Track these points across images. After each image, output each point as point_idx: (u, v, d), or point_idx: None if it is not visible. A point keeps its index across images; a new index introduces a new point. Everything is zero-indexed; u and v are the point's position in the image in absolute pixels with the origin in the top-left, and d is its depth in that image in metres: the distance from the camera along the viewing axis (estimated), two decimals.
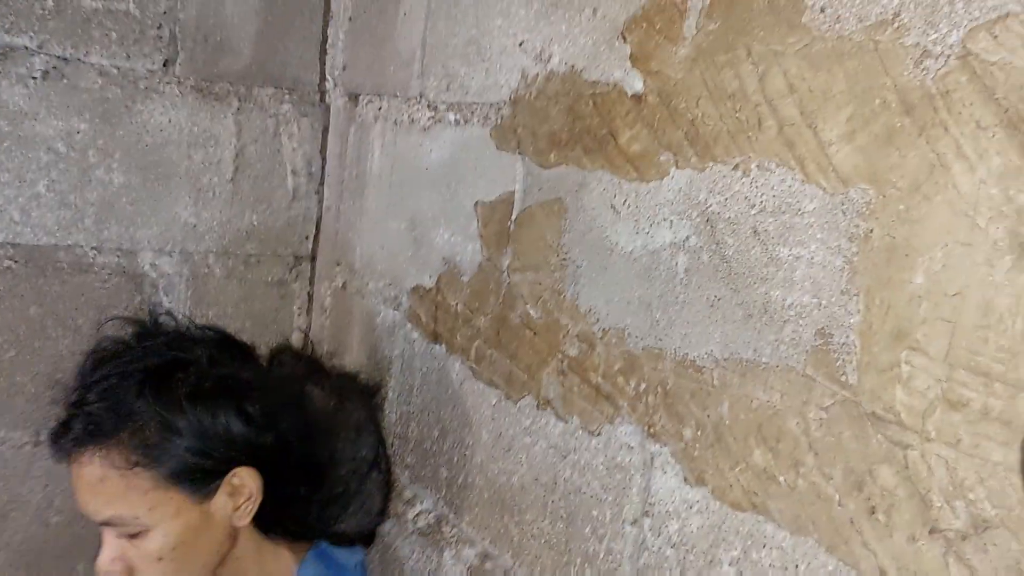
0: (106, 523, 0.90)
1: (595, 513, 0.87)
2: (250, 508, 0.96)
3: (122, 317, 1.03)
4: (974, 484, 0.56)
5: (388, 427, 1.27)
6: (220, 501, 0.94)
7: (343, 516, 1.11)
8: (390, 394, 1.27)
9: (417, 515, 1.19)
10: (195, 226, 1.36)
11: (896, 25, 0.58)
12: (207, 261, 1.39)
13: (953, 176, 0.56)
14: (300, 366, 1.11)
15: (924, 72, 0.57)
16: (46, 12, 1.20)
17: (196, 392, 0.92)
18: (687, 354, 0.76)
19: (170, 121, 1.32)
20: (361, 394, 1.19)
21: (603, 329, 0.85)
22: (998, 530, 0.54)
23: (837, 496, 0.63)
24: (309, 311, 1.51)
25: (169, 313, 1.04)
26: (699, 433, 0.75)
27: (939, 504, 0.58)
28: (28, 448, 1.28)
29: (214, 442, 0.92)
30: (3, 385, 1.24)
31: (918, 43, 0.57)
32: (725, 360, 0.72)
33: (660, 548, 0.79)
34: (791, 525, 0.67)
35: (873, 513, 0.61)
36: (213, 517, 0.94)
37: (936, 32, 0.56)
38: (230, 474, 0.94)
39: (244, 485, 0.95)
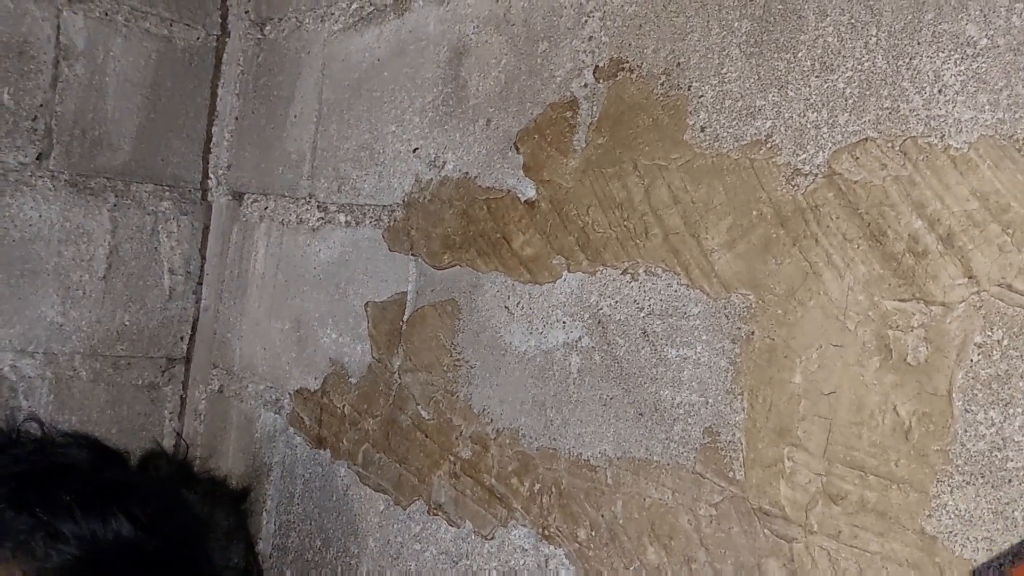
0: None
1: None
2: None
3: None
4: (855, 574, 0.59)
5: (266, 538, 1.21)
6: None
7: None
8: (268, 502, 1.22)
9: None
10: (62, 326, 1.29)
11: (769, 145, 0.64)
12: (73, 363, 1.31)
13: (824, 283, 0.61)
14: (173, 471, 1.06)
15: (795, 188, 0.62)
16: None
17: (84, 497, 0.85)
18: (581, 453, 0.77)
19: (40, 216, 1.26)
20: (231, 499, 1.13)
21: (497, 430, 0.86)
22: None
23: None
24: (181, 416, 1.43)
25: (34, 418, 0.97)
26: (593, 533, 0.75)
27: None
28: None
29: (104, 550, 0.85)
30: None
31: (789, 162, 0.63)
32: (618, 459, 0.74)
33: None
34: None
35: None
36: None
37: (804, 153, 0.62)
38: None
39: None
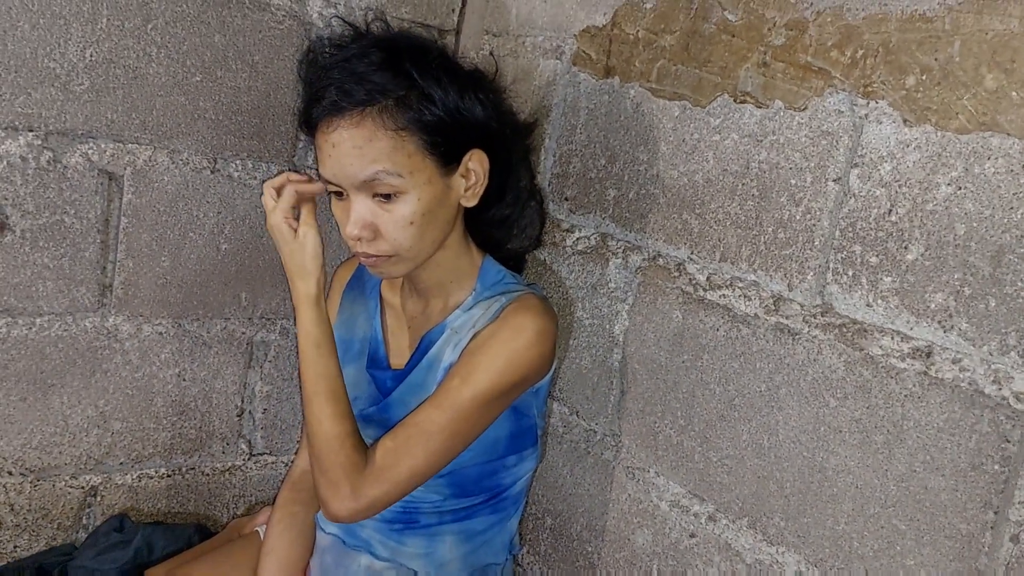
0: (365, 183, 0.96)
1: (793, 182, 0.96)
2: (478, 190, 1.04)
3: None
4: None
5: (543, 172, 1.36)
6: (456, 180, 1.02)
7: (507, 238, 1.21)
8: (547, 140, 1.36)
9: (576, 240, 1.29)
10: None
11: None
12: (366, 19, 1.45)
13: None
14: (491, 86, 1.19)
15: None
16: None
17: (449, 70, 1.00)
18: (916, 9, 0.84)
19: None
20: (523, 128, 1.25)
21: (817, 11, 0.93)
22: None
23: None
24: None
25: (380, 18, 1.11)
26: (924, 77, 0.83)
27: None
28: (207, 173, 1.37)
29: (461, 119, 0.99)
30: (189, 108, 1.33)
31: None
32: (959, 4, 0.80)
33: (869, 191, 0.89)
34: (1021, 131, 0.76)
35: None
36: (451, 193, 1.02)
37: None
38: (467, 155, 1.03)
39: (475, 168, 1.03)
